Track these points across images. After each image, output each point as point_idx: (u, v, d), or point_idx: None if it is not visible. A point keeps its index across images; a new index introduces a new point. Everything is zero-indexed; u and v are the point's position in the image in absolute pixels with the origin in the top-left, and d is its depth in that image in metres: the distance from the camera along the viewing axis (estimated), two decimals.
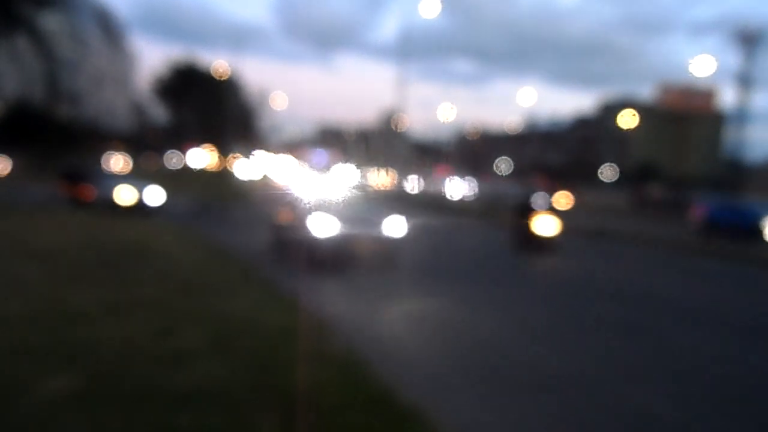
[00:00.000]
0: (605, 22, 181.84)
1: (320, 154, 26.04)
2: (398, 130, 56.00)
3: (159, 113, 67.49)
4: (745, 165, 56.97)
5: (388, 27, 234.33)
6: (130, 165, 49.26)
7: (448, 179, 38.90)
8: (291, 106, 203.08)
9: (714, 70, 34.10)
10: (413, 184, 40.87)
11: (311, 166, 24.83)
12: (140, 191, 17.51)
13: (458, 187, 35.29)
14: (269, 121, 69.62)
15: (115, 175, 19.72)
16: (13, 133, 40.52)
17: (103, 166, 34.72)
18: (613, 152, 78.92)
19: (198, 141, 58.24)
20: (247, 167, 52.21)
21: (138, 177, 20.45)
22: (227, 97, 52.67)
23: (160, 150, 57.38)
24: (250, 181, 46.02)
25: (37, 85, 37.18)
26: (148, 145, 58.85)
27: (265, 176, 52.24)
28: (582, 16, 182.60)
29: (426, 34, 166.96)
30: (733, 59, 60.16)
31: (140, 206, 17.28)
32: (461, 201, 32.29)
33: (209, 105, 57.15)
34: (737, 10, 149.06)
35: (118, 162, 49.24)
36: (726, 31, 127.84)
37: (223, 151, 55.84)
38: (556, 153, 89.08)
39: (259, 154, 58.43)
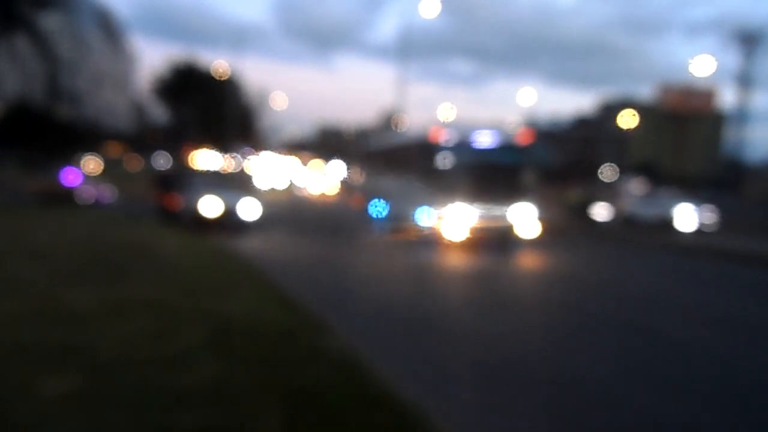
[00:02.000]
0: (603, 23, 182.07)
1: (466, 135, 13.86)
2: (398, 130, 55.98)
3: (159, 113, 67.51)
4: (745, 165, 57.06)
5: (387, 27, 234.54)
6: (102, 167, 45.22)
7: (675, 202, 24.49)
8: (291, 106, 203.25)
9: (714, 70, 34.15)
10: (602, 209, 25.95)
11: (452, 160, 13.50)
12: (231, 203, 15.19)
13: (689, 214, 23.27)
14: (269, 121, 69.77)
15: (210, 183, 16.91)
16: (13, 133, 40.56)
17: (200, 170, 29.71)
18: (613, 152, 78.98)
19: (198, 141, 58.22)
20: (270, 173, 45.59)
21: (234, 185, 18.03)
22: (227, 97, 52.68)
23: (163, 150, 57.18)
24: (272, 190, 38.68)
25: (37, 85, 37.31)
26: (141, 146, 58.51)
27: (291, 185, 45.34)
28: (580, 17, 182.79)
29: (425, 35, 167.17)
30: (732, 59, 60.32)
31: (229, 220, 14.97)
32: (700, 234, 22.04)
33: (209, 105, 57.18)
34: (734, 10, 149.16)
35: (88, 164, 46.83)
36: (723, 31, 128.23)
37: (223, 152, 55.68)
38: (556, 153, 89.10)
39: (281, 159, 53.14)
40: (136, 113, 73.07)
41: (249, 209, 15.44)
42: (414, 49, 77.82)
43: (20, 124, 40.97)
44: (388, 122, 78.90)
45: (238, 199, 15.55)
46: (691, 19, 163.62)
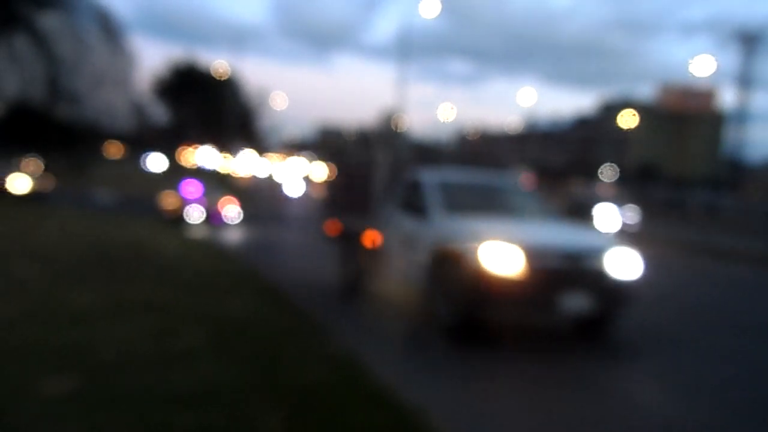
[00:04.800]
0: (600, 23, 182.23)
1: None
2: (398, 130, 55.83)
3: (159, 113, 67.54)
4: (745, 165, 57.05)
5: (386, 28, 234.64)
6: (42, 168, 41.84)
7: None
8: (291, 106, 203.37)
9: (713, 70, 34.12)
10: None
11: None
12: (578, 252, 5.82)
13: None
14: (269, 121, 69.82)
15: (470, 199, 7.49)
16: (13, 133, 40.55)
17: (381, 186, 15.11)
18: (613, 152, 79.01)
19: (198, 141, 58.26)
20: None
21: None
22: (227, 97, 52.64)
23: (163, 150, 57.03)
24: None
25: (37, 85, 37.22)
26: (141, 146, 58.26)
27: None
28: (577, 17, 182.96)
29: (423, 35, 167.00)
30: (731, 59, 60.41)
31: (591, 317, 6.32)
32: None
33: (209, 105, 57.16)
34: (731, 10, 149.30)
35: (28, 165, 42.67)
36: (721, 31, 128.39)
37: (223, 152, 55.66)
38: (556, 153, 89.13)
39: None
40: (136, 113, 73.05)
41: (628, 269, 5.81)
42: (413, 50, 77.89)
43: (20, 124, 40.97)
44: (388, 122, 78.90)
45: (597, 242, 6.24)
46: (688, 19, 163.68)
